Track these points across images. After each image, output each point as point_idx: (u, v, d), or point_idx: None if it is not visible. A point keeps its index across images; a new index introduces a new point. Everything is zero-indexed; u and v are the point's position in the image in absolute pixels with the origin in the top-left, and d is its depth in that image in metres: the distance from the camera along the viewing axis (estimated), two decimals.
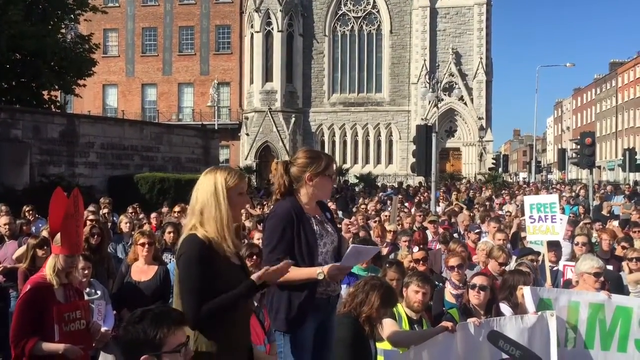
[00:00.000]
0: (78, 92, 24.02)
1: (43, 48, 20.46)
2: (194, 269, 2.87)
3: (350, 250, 3.50)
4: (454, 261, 5.87)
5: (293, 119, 42.75)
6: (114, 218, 11.24)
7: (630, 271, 6.73)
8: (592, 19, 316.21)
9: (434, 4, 42.36)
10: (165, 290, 5.78)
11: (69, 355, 3.84)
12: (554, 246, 7.21)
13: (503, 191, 26.14)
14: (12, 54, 20.26)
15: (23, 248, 6.59)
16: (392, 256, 7.39)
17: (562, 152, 35.54)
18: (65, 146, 17.80)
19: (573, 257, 7.40)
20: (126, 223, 9.03)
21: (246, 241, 6.56)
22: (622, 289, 6.27)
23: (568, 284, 6.15)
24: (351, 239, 3.95)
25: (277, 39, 42.39)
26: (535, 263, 6.80)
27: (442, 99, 36.50)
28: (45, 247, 5.46)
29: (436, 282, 6.21)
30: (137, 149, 20.17)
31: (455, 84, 41.16)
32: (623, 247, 7.71)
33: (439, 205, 17.09)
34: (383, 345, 4.31)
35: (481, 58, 41.94)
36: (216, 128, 34.67)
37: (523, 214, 9.21)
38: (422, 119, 38.59)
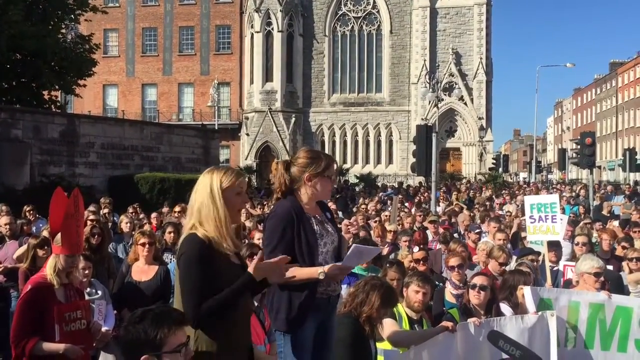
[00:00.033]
0: (78, 92, 24.02)
1: (43, 48, 20.46)
2: (194, 268, 2.87)
3: (352, 250, 3.50)
4: (454, 261, 5.87)
5: (293, 119, 42.75)
6: (115, 218, 11.25)
7: (630, 271, 6.74)
8: (592, 19, 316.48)
9: (434, 4, 42.36)
10: (166, 290, 5.78)
11: (70, 355, 3.85)
12: (554, 246, 7.21)
13: (503, 191, 26.14)
14: (12, 54, 20.26)
15: (24, 248, 6.59)
16: (392, 256, 7.39)
17: (562, 152, 35.54)
18: (66, 146, 17.81)
19: (573, 257, 7.40)
20: (127, 223, 9.03)
21: (246, 241, 6.56)
22: (622, 289, 6.27)
23: (568, 284, 6.15)
24: (351, 240, 3.95)
25: (277, 39, 42.39)
26: (535, 263, 6.80)
27: (442, 99, 36.50)
28: (45, 247, 5.46)
29: (436, 282, 6.21)
30: (138, 149, 20.17)
31: (455, 84, 41.16)
32: (623, 247, 7.71)
33: (439, 205, 17.09)
34: (383, 345, 4.32)
35: (481, 58, 41.94)
36: (216, 128, 34.67)
37: (523, 214, 9.22)
38: (422, 119, 38.60)
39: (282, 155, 41.07)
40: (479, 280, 4.98)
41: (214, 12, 45.39)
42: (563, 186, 31.25)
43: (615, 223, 11.54)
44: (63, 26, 23.70)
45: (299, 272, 3.43)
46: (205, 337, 2.88)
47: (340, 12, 44.31)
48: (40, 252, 5.54)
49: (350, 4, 44.14)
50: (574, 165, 41.25)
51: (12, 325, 3.92)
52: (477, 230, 9.05)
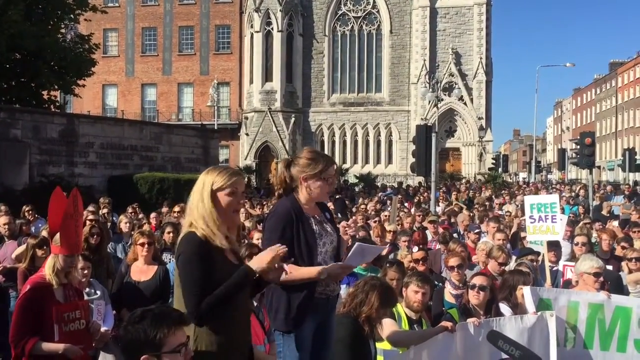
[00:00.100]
0: (77, 92, 24.01)
1: (43, 48, 20.46)
2: (193, 266, 2.88)
3: (355, 248, 3.50)
4: (453, 261, 5.87)
5: (293, 119, 42.75)
6: (114, 218, 11.25)
7: (630, 271, 6.74)
8: (592, 19, 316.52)
9: (433, 4, 42.37)
10: (165, 290, 5.78)
11: (69, 355, 3.84)
12: (553, 246, 7.21)
13: (503, 191, 26.14)
14: (11, 53, 20.25)
15: (22, 248, 6.59)
16: (391, 256, 7.38)
17: (562, 152, 35.55)
18: (65, 146, 17.80)
19: (573, 257, 7.40)
20: (126, 223, 9.03)
21: (246, 241, 6.56)
22: (621, 289, 6.27)
23: (568, 284, 6.15)
24: (349, 241, 3.94)
25: (277, 39, 42.39)
26: (535, 263, 6.80)
27: (442, 99, 36.50)
28: (44, 247, 5.46)
29: (436, 282, 6.20)
30: (137, 149, 20.17)
31: (455, 84, 41.17)
32: (623, 247, 7.71)
33: (438, 205, 17.08)
34: (383, 345, 4.32)
35: (481, 58, 41.95)
36: (216, 128, 34.67)
37: (523, 214, 9.22)
38: (421, 119, 38.59)
39: (282, 155, 41.05)
40: (478, 281, 4.98)
41: (213, 11, 45.38)
42: (562, 186, 31.26)
43: (615, 223, 11.54)
44: (62, 26, 23.69)
45: (300, 271, 3.43)
46: (205, 337, 2.87)
47: (340, 12, 44.31)
48: (39, 252, 5.54)
49: (350, 3, 44.14)
50: (574, 165, 41.24)
51: (11, 325, 3.92)
52: (477, 230, 9.04)
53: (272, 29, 42.37)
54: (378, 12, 44.04)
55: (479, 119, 41.54)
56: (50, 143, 17.40)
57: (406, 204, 17.17)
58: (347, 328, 4.00)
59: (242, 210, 3.67)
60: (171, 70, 45.94)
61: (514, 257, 7.26)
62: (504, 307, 5.00)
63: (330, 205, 12.28)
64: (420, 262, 6.42)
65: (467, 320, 4.23)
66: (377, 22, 44.18)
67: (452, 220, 11.87)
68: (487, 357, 4.12)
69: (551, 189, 27.26)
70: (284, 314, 3.53)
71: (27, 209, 10.13)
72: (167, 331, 2.29)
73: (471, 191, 24.26)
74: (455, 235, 9.61)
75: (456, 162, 43.26)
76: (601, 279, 5.19)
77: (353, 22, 44.24)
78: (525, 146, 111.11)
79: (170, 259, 6.78)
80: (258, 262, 2.97)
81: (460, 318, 4.70)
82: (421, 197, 20.34)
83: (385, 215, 12.12)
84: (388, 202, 17.78)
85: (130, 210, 11.64)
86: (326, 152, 41.34)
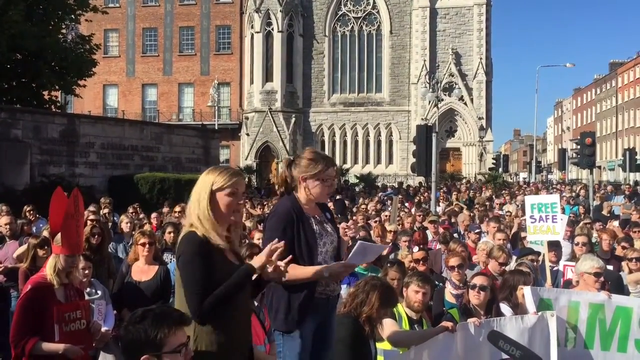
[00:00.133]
0: (78, 93, 24.00)
1: (43, 48, 20.46)
2: (194, 266, 2.88)
3: (357, 246, 3.50)
4: (454, 261, 5.87)
5: (293, 119, 42.75)
6: (115, 218, 11.25)
7: (630, 271, 6.74)
8: (592, 19, 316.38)
9: (433, 5, 42.36)
10: (166, 290, 5.78)
11: (69, 355, 3.85)
12: (554, 246, 7.21)
13: (503, 191, 26.13)
14: (12, 54, 20.26)
15: (24, 248, 6.59)
16: (392, 256, 7.39)
17: (562, 152, 35.53)
18: (66, 146, 17.81)
19: (573, 257, 7.40)
20: (127, 223, 9.04)
21: (246, 241, 6.56)
22: (622, 289, 6.27)
23: (568, 284, 6.15)
24: (349, 243, 3.94)
25: (277, 40, 42.39)
26: (535, 263, 6.80)
27: (442, 99, 36.52)
28: (45, 247, 5.46)
29: (436, 282, 6.21)
30: (138, 149, 20.17)
31: (455, 84, 41.16)
32: (623, 247, 7.70)
33: (439, 206, 17.08)
34: (383, 346, 4.32)
35: (481, 58, 41.94)
36: (216, 128, 34.67)
37: (523, 214, 9.21)
38: (422, 119, 38.60)
39: (282, 156, 41.06)
40: (478, 281, 4.98)
41: (214, 12, 45.39)
42: (563, 186, 31.23)
43: (615, 223, 11.53)
44: (63, 26, 23.69)
45: (302, 271, 3.44)
46: (205, 336, 2.88)
47: (340, 13, 44.31)
48: (41, 252, 5.54)
49: (350, 4, 44.14)
50: (574, 166, 41.24)
51: (12, 325, 3.92)
52: (477, 230, 9.04)
53: (273, 29, 42.37)
54: (378, 12, 44.03)
55: (479, 119, 41.53)
56: (51, 143, 17.41)
57: (407, 204, 17.17)
58: (347, 328, 4.00)
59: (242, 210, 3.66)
60: (172, 71, 45.95)
61: (514, 257, 7.26)
62: (504, 307, 5.00)
63: (330, 205, 12.28)
64: (421, 262, 6.42)
65: (467, 321, 4.22)
66: (377, 23, 44.18)
67: (453, 220, 11.87)
68: (488, 357, 4.12)
69: (551, 189, 27.24)
70: (284, 314, 3.53)
71: (28, 209, 10.14)
72: (168, 331, 2.30)
73: (471, 191, 24.26)
74: (455, 235, 9.61)
75: (456, 162, 43.26)
76: (602, 279, 5.19)
77: (353, 23, 44.24)
78: (525, 146, 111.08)
79: (171, 259, 6.78)
80: (257, 259, 2.98)
81: (461, 318, 4.70)
82: (421, 197, 20.34)
83: (386, 215, 12.13)
84: (388, 202, 17.78)
85: (131, 210, 11.65)
86: (326, 152, 41.35)
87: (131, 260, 6.01)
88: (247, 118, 43.59)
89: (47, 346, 3.80)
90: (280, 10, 41.95)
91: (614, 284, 6.08)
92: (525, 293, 4.69)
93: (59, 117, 19.23)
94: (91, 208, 9.66)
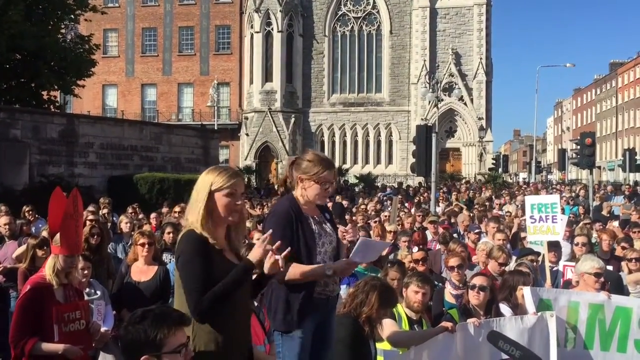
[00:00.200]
0: (77, 93, 24.00)
1: (43, 48, 20.46)
2: (194, 263, 2.89)
3: (359, 243, 3.50)
4: (453, 261, 5.87)
5: (293, 119, 42.75)
6: (114, 218, 11.24)
7: (630, 271, 6.73)
8: (592, 19, 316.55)
9: (433, 5, 42.37)
10: (165, 290, 5.78)
11: (69, 355, 3.84)
12: (554, 246, 7.20)
13: (503, 191, 26.13)
14: (12, 54, 20.26)
15: (23, 248, 6.59)
16: (392, 256, 7.38)
17: (562, 153, 35.54)
18: (65, 146, 17.80)
19: (573, 258, 7.40)
20: (126, 223, 9.03)
21: (246, 241, 6.56)
22: (622, 290, 6.26)
23: (568, 285, 6.14)
24: (348, 246, 3.94)
25: (277, 39, 42.39)
26: (535, 263, 6.80)
27: (442, 99, 36.52)
28: (45, 247, 5.46)
29: (436, 283, 6.20)
30: (137, 149, 20.16)
31: (455, 84, 41.17)
32: (623, 248, 7.70)
33: (438, 206, 17.08)
34: (383, 346, 4.31)
35: (481, 58, 41.95)
36: (216, 128, 34.68)
37: (523, 214, 9.21)
38: (422, 119, 38.59)
39: (282, 156, 41.10)
40: (478, 281, 4.97)
41: (213, 12, 45.39)
42: (563, 186, 31.24)
43: (615, 223, 11.53)
44: (63, 26, 23.69)
45: (305, 269, 3.44)
46: (204, 336, 2.87)
47: (340, 13, 44.31)
48: (40, 252, 5.54)
49: (350, 4, 44.14)
50: (574, 166, 41.25)
51: (11, 326, 3.92)
52: (477, 231, 9.04)
53: (272, 29, 42.37)
54: (378, 12, 44.04)
55: (479, 119, 41.54)
56: (50, 143, 17.39)
57: (406, 204, 17.17)
58: (347, 328, 4.00)
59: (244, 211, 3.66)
60: (171, 71, 45.95)
61: (514, 258, 7.25)
62: (504, 308, 4.99)
63: (330, 205, 12.27)
64: (420, 263, 6.42)
65: (467, 321, 4.22)
66: (377, 23, 44.18)
67: (452, 220, 11.87)
68: (488, 357, 4.12)
69: (551, 189, 27.25)
70: (282, 314, 3.53)
71: (27, 209, 10.13)
72: (168, 331, 2.29)
73: (471, 191, 24.25)
74: (455, 235, 9.60)
75: (456, 163, 43.27)
76: (602, 279, 5.19)
77: (353, 23, 44.24)
78: (525, 146, 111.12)
79: (170, 259, 6.78)
80: (253, 253, 2.99)
81: (461, 318, 4.69)
82: (421, 198, 20.34)
83: (386, 216, 12.13)
84: (388, 202, 17.78)
85: (130, 210, 11.64)
86: (326, 152, 41.36)
87: (130, 261, 6.00)
88: (246, 118, 43.59)
89: (47, 346, 3.80)
90: (280, 10, 41.95)
91: (613, 284, 6.07)
92: (525, 293, 4.69)
93: (58, 117, 19.22)
94: (90, 208, 9.64)
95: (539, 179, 48.36)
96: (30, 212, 10.07)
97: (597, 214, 14.72)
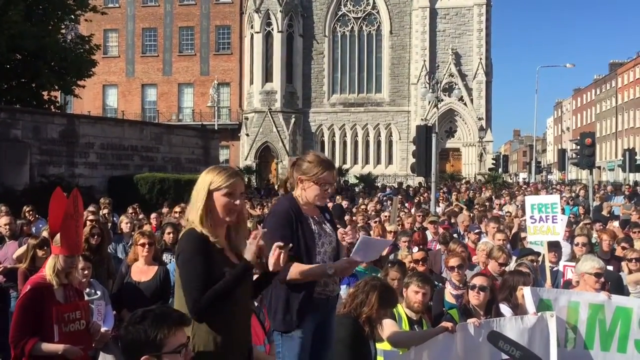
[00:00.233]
0: (78, 93, 24.01)
1: (43, 48, 20.47)
2: (194, 261, 2.89)
3: (360, 242, 3.50)
4: (454, 261, 5.87)
5: (293, 119, 42.76)
6: (114, 218, 11.25)
7: (630, 272, 6.73)
8: (592, 19, 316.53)
9: (433, 5, 42.37)
10: (165, 290, 5.78)
11: (69, 355, 3.84)
12: (554, 247, 7.20)
13: (503, 192, 26.12)
14: (12, 54, 20.27)
15: (23, 248, 6.59)
16: (392, 257, 7.38)
17: (562, 153, 35.54)
18: (65, 146, 17.80)
19: (573, 258, 7.40)
20: (127, 223, 9.03)
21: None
22: (622, 290, 6.26)
23: (568, 285, 6.14)
24: (347, 248, 3.94)
25: (277, 40, 42.40)
26: (535, 263, 6.79)
27: (442, 100, 36.52)
28: (45, 248, 5.46)
29: (436, 283, 6.20)
30: (137, 149, 20.16)
31: (455, 85, 41.17)
32: (623, 248, 7.70)
33: (439, 206, 17.08)
34: (383, 346, 4.31)
35: (481, 58, 41.95)
36: (216, 128, 34.69)
37: (523, 214, 9.21)
38: (422, 119, 38.60)
39: (282, 156, 41.12)
40: (478, 281, 4.97)
41: (213, 12, 45.39)
42: (563, 187, 31.24)
43: (616, 224, 11.53)
44: (63, 26, 23.69)
45: (306, 269, 3.44)
46: (203, 337, 2.87)
47: (340, 13, 44.32)
48: (40, 253, 5.54)
49: (350, 4, 44.14)
50: (574, 166, 41.24)
51: (11, 326, 3.92)
52: (477, 231, 9.04)
53: (272, 29, 42.38)
54: (378, 12, 44.04)
55: (479, 119, 41.55)
56: (50, 143, 17.40)
57: (406, 205, 17.17)
58: (347, 328, 4.00)
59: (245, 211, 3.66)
60: (171, 71, 45.96)
61: (514, 258, 7.25)
62: (504, 308, 4.99)
63: (330, 206, 12.27)
64: (420, 263, 6.42)
65: (467, 321, 4.22)
66: (377, 23, 44.19)
67: (453, 220, 11.87)
68: (488, 357, 4.12)
69: (551, 190, 27.25)
70: (282, 314, 3.53)
71: (27, 209, 10.14)
72: (168, 332, 2.30)
73: (471, 192, 24.24)
74: (455, 235, 9.60)
75: (456, 163, 43.27)
76: (602, 279, 5.19)
77: (353, 23, 44.25)
78: (525, 146, 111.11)
79: (170, 260, 6.78)
80: (247, 251, 2.98)
81: (461, 318, 4.69)
82: (421, 198, 20.34)
83: (386, 216, 12.13)
84: (388, 202, 17.77)
85: (130, 210, 11.64)
86: (326, 152, 41.38)
87: (131, 261, 6.00)
88: (246, 118, 43.60)
89: (47, 347, 3.80)
90: (280, 11, 41.96)
91: (613, 284, 6.07)
92: (525, 293, 4.69)
93: (58, 117, 19.22)
94: (90, 208, 9.64)
95: (539, 179, 48.35)
96: (31, 212, 10.08)
97: (597, 214, 14.72)
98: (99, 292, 5.30)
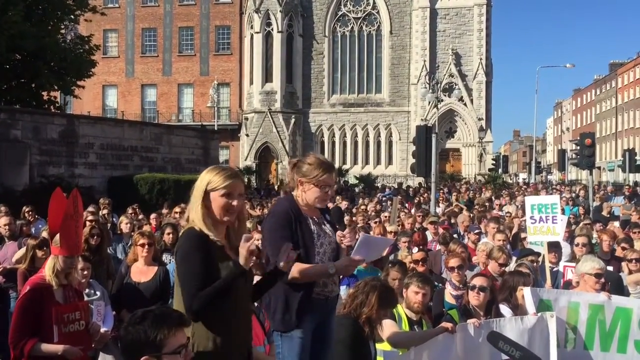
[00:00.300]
0: (77, 93, 23.99)
1: (43, 49, 20.46)
2: (192, 259, 2.89)
3: (360, 240, 3.49)
4: (454, 262, 5.86)
5: (293, 119, 42.76)
6: (114, 219, 11.24)
7: (630, 272, 6.72)
8: (592, 20, 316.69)
9: (433, 5, 42.38)
10: (165, 291, 5.77)
11: (68, 356, 3.84)
12: (554, 247, 7.20)
13: (503, 192, 26.12)
14: (11, 54, 20.26)
15: (23, 250, 6.58)
16: (392, 257, 7.38)
17: (562, 153, 35.55)
18: (65, 147, 17.79)
19: (573, 258, 7.40)
20: (126, 224, 9.02)
21: None
22: (622, 290, 6.25)
23: (568, 285, 6.14)
24: (346, 251, 3.94)
25: (277, 40, 42.40)
26: (535, 264, 6.79)
27: (442, 100, 36.53)
28: (44, 248, 5.46)
29: (436, 283, 6.19)
30: (137, 150, 20.16)
31: (455, 85, 41.18)
32: (623, 248, 7.69)
33: (438, 206, 17.08)
34: (383, 346, 4.31)
35: (481, 59, 41.96)
36: (216, 129, 34.68)
37: (523, 214, 9.20)
38: (422, 119, 38.59)
39: (282, 156, 41.12)
40: (478, 281, 4.97)
41: (213, 12, 45.39)
42: (563, 187, 31.24)
43: (616, 224, 11.52)
44: (62, 27, 23.69)
45: (308, 268, 3.44)
46: (203, 337, 2.87)
47: (340, 13, 44.33)
48: (39, 253, 5.54)
49: (350, 4, 44.15)
50: (574, 166, 41.28)
51: (11, 326, 3.91)
52: (477, 231, 9.03)
53: (272, 29, 42.39)
54: (378, 12, 44.05)
55: (479, 119, 41.56)
56: (50, 144, 17.39)
57: (406, 205, 17.16)
58: (347, 329, 4.00)
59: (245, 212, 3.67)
60: (171, 71, 45.96)
61: (514, 258, 7.25)
62: (504, 308, 4.99)
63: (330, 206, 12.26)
64: (420, 263, 6.41)
65: (467, 321, 4.22)
66: (377, 23, 44.20)
67: (452, 221, 11.86)
68: (488, 357, 4.12)
69: (551, 190, 27.24)
70: (281, 315, 3.54)
71: (27, 209, 10.13)
72: (168, 332, 2.29)
73: (471, 192, 24.24)
74: (455, 236, 9.60)
75: (456, 163, 43.27)
76: (602, 279, 5.18)
77: (353, 23, 44.25)
78: (525, 147, 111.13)
79: (170, 260, 6.77)
80: (240, 256, 2.96)
81: (461, 319, 4.69)
82: (421, 198, 20.33)
83: (386, 216, 12.13)
84: (388, 203, 17.76)
85: (130, 211, 11.62)
86: (326, 153, 41.41)
87: (130, 261, 6.00)
88: (246, 119, 43.60)
89: (46, 347, 3.80)
90: (280, 11, 41.96)
91: (614, 284, 6.06)
92: (525, 294, 4.68)
93: (58, 117, 19.22)
94: (90, 209, 9.63)
95: (538, 179, 48.35)
96: (30, 213, 10.07)
97: (597, 215, 14.71)
98: (98, 293, 5.30)
